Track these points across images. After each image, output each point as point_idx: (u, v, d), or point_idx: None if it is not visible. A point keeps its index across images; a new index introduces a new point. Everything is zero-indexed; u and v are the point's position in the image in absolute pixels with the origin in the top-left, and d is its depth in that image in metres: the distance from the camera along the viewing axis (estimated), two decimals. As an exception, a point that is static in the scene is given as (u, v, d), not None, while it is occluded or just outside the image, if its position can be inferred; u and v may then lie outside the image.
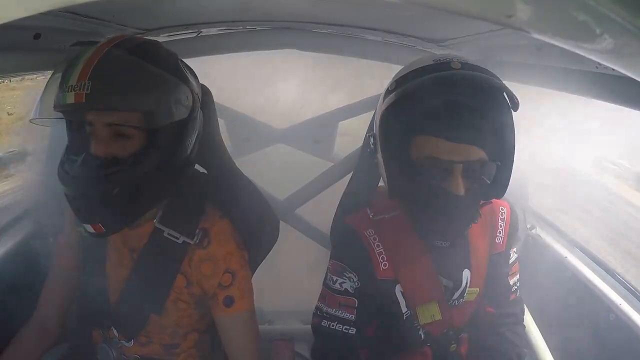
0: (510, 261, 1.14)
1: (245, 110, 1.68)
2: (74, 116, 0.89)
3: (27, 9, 0.53)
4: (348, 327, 1.03)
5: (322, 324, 1.04)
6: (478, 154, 0.89)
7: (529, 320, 1.36)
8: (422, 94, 0.88)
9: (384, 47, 1.54)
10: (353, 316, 1.03)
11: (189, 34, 1.48)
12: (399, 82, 0.95)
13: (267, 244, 1.23)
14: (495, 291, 1.13)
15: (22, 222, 1.47)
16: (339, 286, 1.04)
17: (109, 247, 1.04)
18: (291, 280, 2.34)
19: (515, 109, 0.90)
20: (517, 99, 0.88)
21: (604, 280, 1.31)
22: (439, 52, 1.52)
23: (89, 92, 0.80)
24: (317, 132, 1.65)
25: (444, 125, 0.88)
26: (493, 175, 0.93)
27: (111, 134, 0.86)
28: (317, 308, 1.07)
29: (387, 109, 0.95)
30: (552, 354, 1.28)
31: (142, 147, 0.88)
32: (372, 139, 1.03)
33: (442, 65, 0.91)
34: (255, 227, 1.14)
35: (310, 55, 1.59)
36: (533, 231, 1.57)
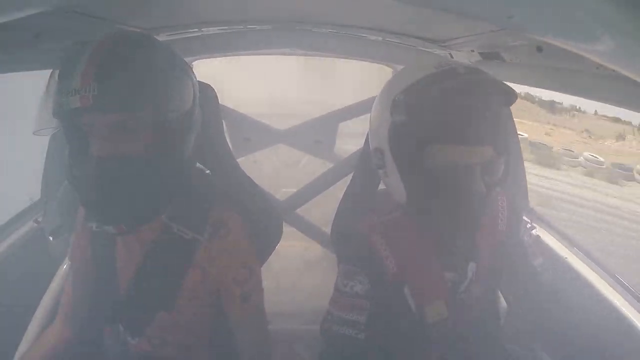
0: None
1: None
2: (81, 120, 0.86)
3: (27, 9, 0.53)
4: (357, 332, 1.00)
5: (332, 328, 1.02)
6: (490, 152, 0.93)
7: None
8: (436, 104, 0.90)
9: (384, 47, 1.53)
10: (364, 318, 1.01)
11: (189, 34, 1.48)
12: (406, 94, 0.94)
13: (271, 243, 1.23)
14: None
15: (22, 222, 1.47)
16: (349, 289, 1.03)
17: (121, 243, 1.04)
18: (291, 280, 2.35)
19: (512, 103, 0.95)
20: (515, 93, 0.93)
21: (604, 281, 1.31)
22: (439, 52, 1.52)
23: (95, 93, 0.78)
24: (318, 132, 1.65)
25: (460, 132, 0.91)
26: (503, 168, 0.97)
27: (117, 132, 0.85)
28: (328, 312, 1.05)
29: (398, 122, 0.95)
30: (552, 355, 1.28)
31: (152, 142, 0.87)
32: (377, 153, 1.02)
33: (447, 72, 0.92)
34: (260, 226, 1.14)
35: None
36: (533, 232, 1.57)
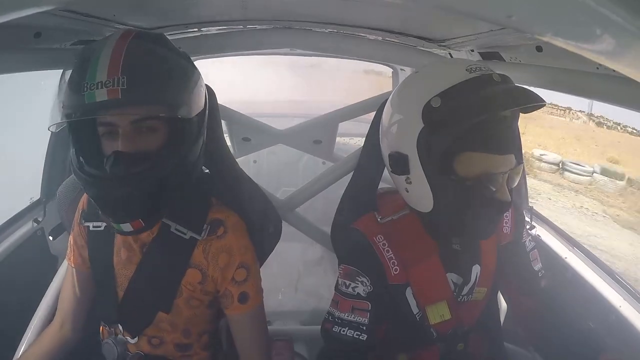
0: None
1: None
2: (105, 114, 0.83)
3: (27, 9, 0.53)
4: (359, 333, 1.01)
5: (334, 329, 1.03)
6: (513, 160, 0.93)
7: None
8: (476, 112, 0.88)
9: (384, 47, 1.53)
10: (366, 320, 1.01)
11: (189, 34, 1.48)
12: (443, 99, 0.90)
13: (270, 243, 1.23)
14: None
15: (22, 222, 1.47)
16: (351, 290, 1.03)
17: (119, 243, 1.04)
18: (291, 280, 2.35)
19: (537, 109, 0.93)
20: (544, 102, 0.90)
21: (603, 281, 1.32)
22: (439, 51, 1.52)
23: (125, 87, 0.77)
24: (317, 132, 1.64)
25: (495, 141, 0.90)
26: (520, 175, 0.97)
27: (138, 128, 0.84)
28: (328, 313, 1.06)
29: (432, 127, 0.91)
30: (551, 355, 1.29)
31: (171, 139, 0.87)
32: (400, 159, 0.97)
33: (484, 79, 0.90)
34: (259, 225, 1.14)
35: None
36: (533, 231, 1.57)
